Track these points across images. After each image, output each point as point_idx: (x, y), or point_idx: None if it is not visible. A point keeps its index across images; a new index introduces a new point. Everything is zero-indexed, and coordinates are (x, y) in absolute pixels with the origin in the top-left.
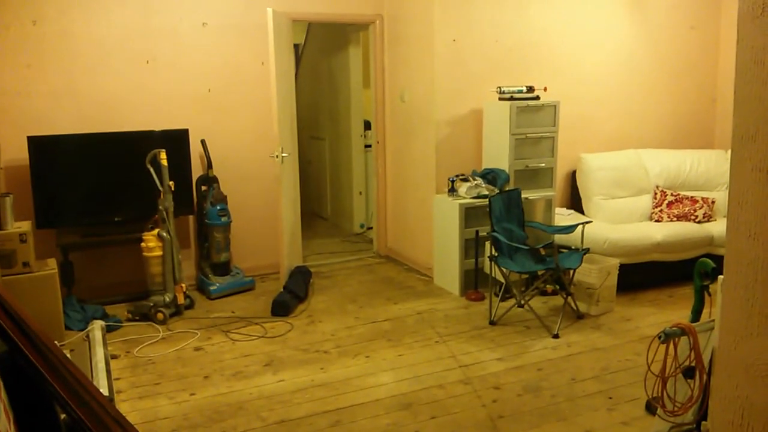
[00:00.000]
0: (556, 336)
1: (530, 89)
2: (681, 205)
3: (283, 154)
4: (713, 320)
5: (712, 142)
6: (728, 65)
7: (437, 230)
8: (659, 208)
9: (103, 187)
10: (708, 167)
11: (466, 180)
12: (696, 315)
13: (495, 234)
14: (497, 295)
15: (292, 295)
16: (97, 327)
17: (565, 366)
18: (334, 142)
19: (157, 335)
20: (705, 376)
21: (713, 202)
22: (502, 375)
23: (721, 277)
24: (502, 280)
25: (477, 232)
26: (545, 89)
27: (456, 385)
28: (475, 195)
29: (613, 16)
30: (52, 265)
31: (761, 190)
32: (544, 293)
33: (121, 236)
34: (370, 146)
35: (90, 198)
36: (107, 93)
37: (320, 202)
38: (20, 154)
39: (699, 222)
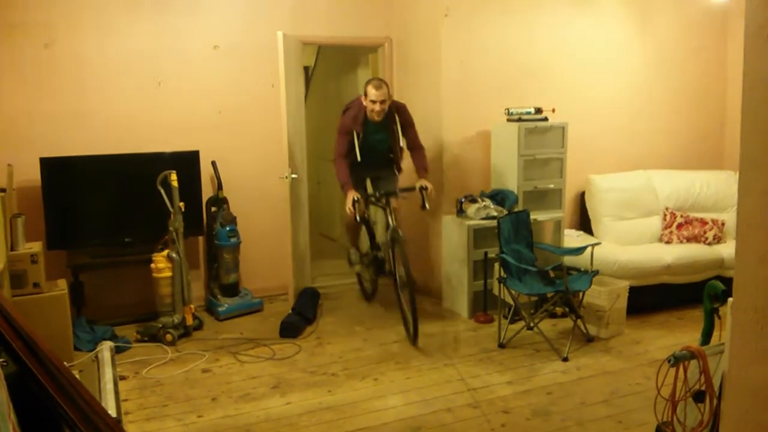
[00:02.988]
0: (565, 359)
1: (538, 111)
2: (691, 227)
3: (293, 176)
4: (723, 343)
5: (721, 163)
6: (737, 87)
7: (446, 251)
8: (669, 230)
9: (113, 209)
10: (718, 189)
11: (474, 201)
12: (706, 338)
13: (504, 255)
14: (506, 318)
15: (301, 316)
16: (106, 348)
17: (574, 389)
18: None
19: (165, 356)
20: (715, 400)
21: (723, 224)
22: (511, 398)
23: (730, 299)
24: (511, 303)
25: (486, 253)
26: (553, 111)
27: (464, 409)
28: (484, 216)
29: (621, 37)
30: (62, 286)
31: None
32: (553, 315)
33: (131, 257)
34: None
35: (101, 219)
36: (118, 115)
37: (329, 223)
38: (32, 175)
39: (709, 244)
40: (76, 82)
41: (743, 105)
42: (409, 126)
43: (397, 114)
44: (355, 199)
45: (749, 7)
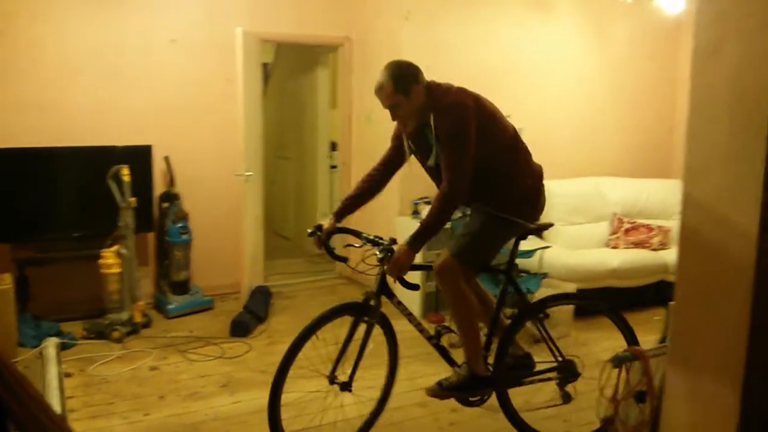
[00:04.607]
0: None
1: None
2: (637, 233)
3: (248, 173)
4: (666, 345)
5: (669, 172)
6: (686, 97)
7: None
8: (616, 235)
9: (62, 202)
10: (665, 196)
11: (429, 203)
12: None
13: None
14: None
15: (252, 315)
16: (51, 344)
17: (521, 389)
18: (300, 162)
19: (112, 354)
20: (656, 401)
21: (669, 231)
22: None
23: (671, 303)
24: None
25: (439, 255)
26: (508, 116)
27: (414, 408)
28: None
29: (577, 46)
30: (7, 281)
31: (709, 224)
32: None
33: (79, 252)
34: (336, 167)
35: (49, 213)
36: (72, 107)
37: (284, 222)
38: None
39: (654, 249)
40: (31, 72)
41: (689, 118)
42: (441, 139)
43: (433, 119)
44: (313, 230)
45: (698, 23)
